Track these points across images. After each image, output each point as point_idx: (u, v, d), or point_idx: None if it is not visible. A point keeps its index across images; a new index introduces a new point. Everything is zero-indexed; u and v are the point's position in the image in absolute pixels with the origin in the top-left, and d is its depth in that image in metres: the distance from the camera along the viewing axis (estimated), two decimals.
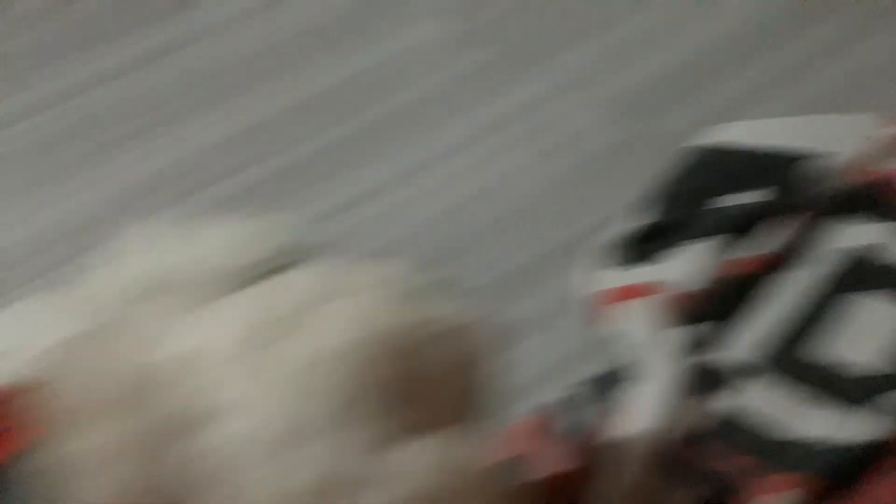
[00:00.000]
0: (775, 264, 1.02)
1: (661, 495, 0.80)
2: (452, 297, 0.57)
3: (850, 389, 0.89)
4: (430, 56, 1.59)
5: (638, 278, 1.03)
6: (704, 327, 0.97)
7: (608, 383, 0.95)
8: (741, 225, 1.06)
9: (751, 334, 0.94)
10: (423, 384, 0.46)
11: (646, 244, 1.08)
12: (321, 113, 1.52)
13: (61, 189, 1.47)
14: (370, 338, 0.47)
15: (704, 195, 1.11)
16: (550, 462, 0.83)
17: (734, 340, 0.94)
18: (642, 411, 0.84)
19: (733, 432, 0.87)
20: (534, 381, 1.00)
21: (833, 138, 1.13)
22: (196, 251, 1.15)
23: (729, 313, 0.98)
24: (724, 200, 1.08)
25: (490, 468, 0.48)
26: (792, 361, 0.93)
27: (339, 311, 0.48)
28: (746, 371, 0.91)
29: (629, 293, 1.01)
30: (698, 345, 0.95)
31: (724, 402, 0.89)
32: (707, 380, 0.91)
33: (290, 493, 0.42)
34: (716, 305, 0.99)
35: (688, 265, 1.01)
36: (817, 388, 0.89)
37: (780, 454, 0.84)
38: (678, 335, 0.95)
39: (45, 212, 1.43)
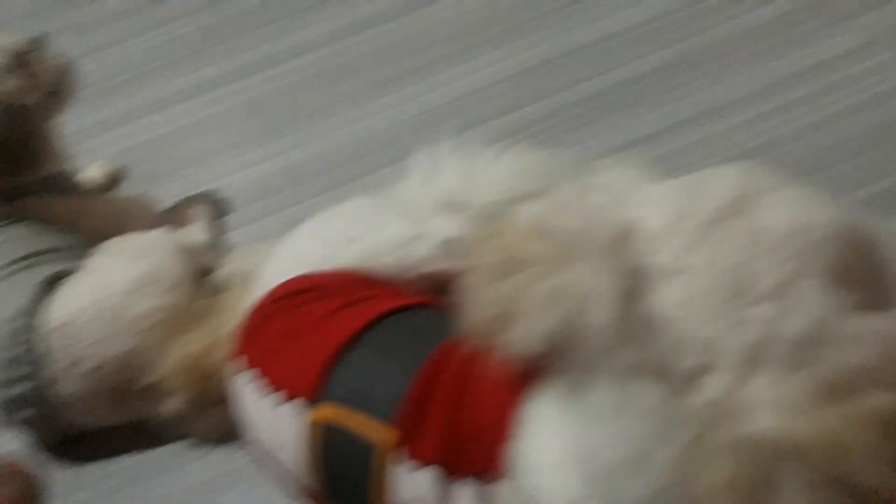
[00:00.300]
0: None
1: None
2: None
3: None
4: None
5: None
6: None
7: None
8: None
9: None
10: (863, 269, 0.51)
11: None
12: (627, 45, 1.54)
13: (360, 111, 1.65)
14: (815, 223, 0.52)
15: None
16: None
17: None
18: None
19: None
20: None
21: None
22: (488, 177, 1.25)
23: None
24: None
25: None
26: None
27: (781, 200, 0.53)
28: None
29: None
30: None
31: None
32: None
33: (743, 345, 0.49)
34: None
35: None
36: None
37: None
38: None
39: (346, 129, 1.62)
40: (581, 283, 0.53)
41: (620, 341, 0.54)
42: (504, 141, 1.34)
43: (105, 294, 1.07)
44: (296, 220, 1.43)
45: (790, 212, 0.53)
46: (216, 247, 1.39)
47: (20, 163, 1.18)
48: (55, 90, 1.28)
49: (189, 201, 1.50)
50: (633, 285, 0.54)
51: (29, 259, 1.13)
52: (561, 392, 0.61)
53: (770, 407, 0.46)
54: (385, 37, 1.80)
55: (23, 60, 1.21)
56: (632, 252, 0.55)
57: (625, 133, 1.37)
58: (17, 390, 1.05)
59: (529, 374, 0.65)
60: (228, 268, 1.24)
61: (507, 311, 0.56)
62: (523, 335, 0.55)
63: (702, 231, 0.54)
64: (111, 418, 1.12)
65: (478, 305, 0.59)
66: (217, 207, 1.51)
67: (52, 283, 1.09)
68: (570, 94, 1.48)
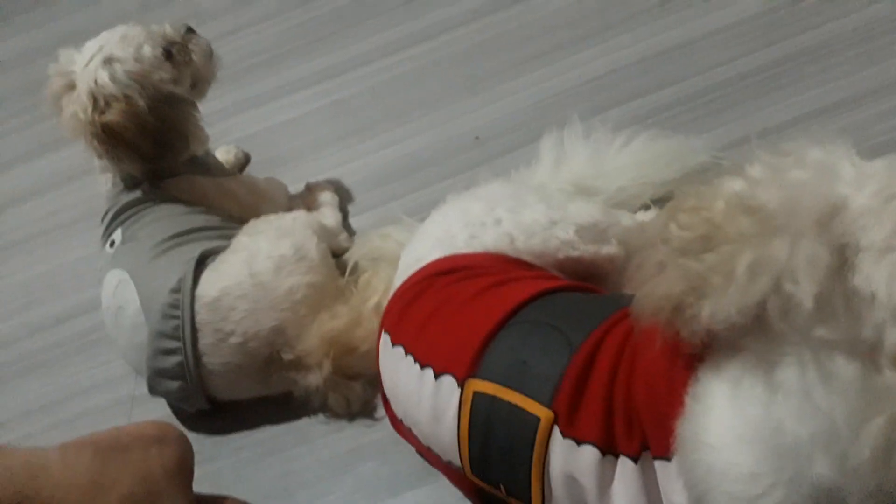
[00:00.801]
0: None
1: None
2: None
3: None
4: None
5: None
6: None
7: None
8: None
9: None
10: None
11: None
12: (760, 32, 1.49)
13: (481, 97, 1.65)
14: None
15: None
16: None
17: None
18: None
19: None
20: None
21: None
22: (620, 162, 1.25)
23: None
24: None
25: None
26: None
27: None
28: None
29: None
30: None
31: None
32: None
33: None
34: None
35: None
36: None
37: None
38: None
39: (468, 116, 1.62)
40: (788, 257, 0.53)
41: (822, 316, 0.53)
42: (632, 127, 1.34)
43: (253, 271, 1.11)
44: (419, 205, 1.46)
45: None
46: (343, 231, 1.42)
47: (172, 147, 1.24)
48: (201, 78, 1.34)
49: (316, 186, 1.54)
50: (841, 261, 0.53)
51: (180, 237, 1.19)
52: (743, 368, 0.61)
53: None
54: (506, 23, 1.80)
55: (173, 50, 1.28)
56: (839, 229, 0.54)
57: (759, 121, 1.32)
58: (168, 362, 1.11)
59: (702, 355, 0.65)
60: (360, 250, 1.28)
61: (703, 285, 0.56)
62: (720, 308, 0.55)
63: None
64: (254, 390, 1.17)
65: (668, 278, 0.59)
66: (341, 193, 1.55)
67: (203, 260, 1.15)
68: (699, 81, 1.45)
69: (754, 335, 0.58)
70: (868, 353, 0.52)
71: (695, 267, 0.57)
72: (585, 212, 1.06)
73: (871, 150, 1.19)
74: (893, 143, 1.22)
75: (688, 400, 0.64)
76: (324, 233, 1.29)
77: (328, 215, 1.43)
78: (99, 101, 1.17)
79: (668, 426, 0.66)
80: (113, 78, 1.18)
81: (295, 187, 1.58)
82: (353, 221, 1.51)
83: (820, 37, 1.42)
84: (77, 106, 1.18)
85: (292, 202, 1.49)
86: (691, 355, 0.65)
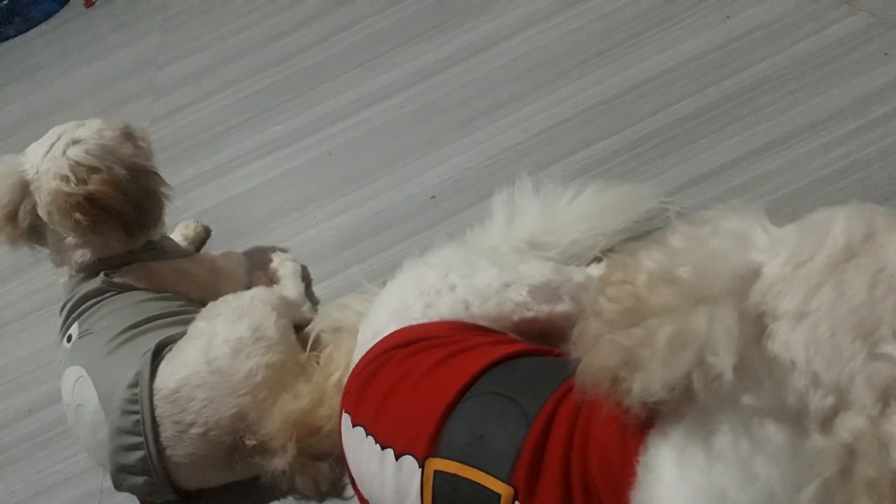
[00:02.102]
0: None
1: None
2: None
3: None
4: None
5: None
6: None
7: None
8: None
9: None
10: None
11: None
12: (697, 75, 1.54)
13: (432, 157, 1.67)
14: None
15: None
16: None
17: None
18: None
19: None
20: None
21: None
22: (571, 215, 1.26)
23: None
24: None
25: None
26: None
27: (890, 241, 0.54)
28: None
29: None
30: None
31: None
32: None
33: (875, 384, 0.49)
34: None
35: None
36: None
37: None
38: None
39: (421, 176, 1.63)
40: (705, 328, 0.54)
41: (746, 385, 0.54)
42: (580, 178, 1.36)
43: (210, 358, 1.10)
44: (380, 268, 1.47)
45: None
46: (307, 301, 1.42)
47: (151, 215, 1.28)
48: (148, 160, 1.35)
49: (276, 257, 1.54)
50: (760, 329, 0.55)
51: (137, 328, 1.18)
52: (684, 437, 0.62)
53: None
54: (450, 83, 1.84)
55: (129, 134, 1.32)
56: (755, 297, 0.56)
57: (703, 163, 1.35)
58: (131, 458, 1.09)
59: (650, 419, 0.66)
60: (320, 323, 1.28)
61: (633, 358, 0.57)
62: (648, 381, 0.56)
63: (823, 274, 0.54)
64: (221, 478, 1.15)
65: (602, 352, 0.60)
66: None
67: (160, 351, 1.14)
68: (641, 128, 1.48)
69: (692, 403, 0.59)
70: (796, 419, 0.53)
71: (624, 341, 0.58)
72: (537, 271, 1.07)
73: (809, 186, 1.23)
74: (831, 177, 1.25)
75: (639, 469, 0.65)
76: (285, 307, 1.29)
77: (289, 287, 1.43)
78: (80, 175, 1.20)
79: (624, 497, 0.66)
80: (88, 152, 1.21)
81: (256, 259, 1.58)
82: (317, 289, 1.51)
83: (755, 76, 1.47)
84: (57, 182, 1.19)
85: (254, 276, 1.49)
86: (639, 425, 0.65)
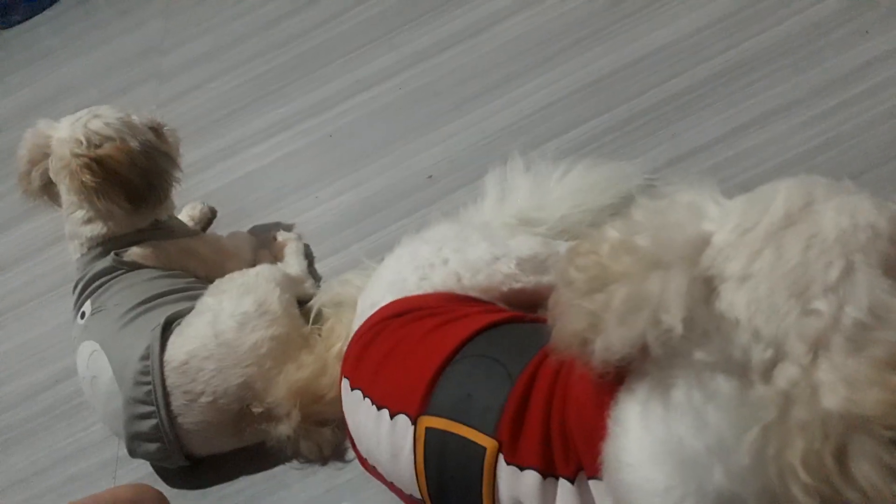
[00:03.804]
0: None
1: None
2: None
3: None
4: None
5: None
6: None
7: None
8: None
9: None
10: None
11: None
12: (683, 55, 1.58)
13: (430, 137, 1.72)
14: (865, 222, 0.58)
15: None
16: None
17: None
18: None
19: None
20: None
21: None
22: (560, 193, 1.32)
23: None
24: None
25: None
26: None
27: (833, 206, 0.59)
28: None
29: None
30: None
31: None
32: None
33: (807, 336, 0.55)
34: None
35: None
36: None
37: None
38: None
39: (419, 156, 1.69)
40: (658, 290, 0.60)
41: (697, 341, 0.60)
42: (570, 157, 1.41)
43: (217, 331, 1.17)
44: (379, 246, 1.53)
45: (840, 216, 0.59)
46: (309, 277, 1.48)
47: (157, 191, 1.34)
48: (173, 156, 1.44)
49: (280, 235, 1.60)
50: (706, 290, 0.60)
51: (147, 303, 1.24)
52: (647, 392, 0.67)
53: (837, 386, 0.52)
54: (446, 65, 1.88)
55: (156, 129, 1.41)
56: (705, 262, 0.61)
57: (689, 140, 1.40)
58: (144, 426, 1.16)
59: (619, 376, 0.72)
60: (322, 297, 1.34)
61: (597, 321, 0.63)
62: (609, 341, 0.62)
63: (764, 240, 0.60)
64: (230, 444, 1.22)
65: (571, 318, 0.65)
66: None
67: (169, 325, 1.20)
68: (630, 107, 1.53)
69: (652, 360, 0.64)
70: (741, 371, 0.59)
71: (589, 306, 0.63)
72: (526, 245, 1.13)
73: (791, 160, 1.28)
74: (811, 152, 1.30)
75: (609, 422, 0.71)
76: (288, 283, 1.35)
77: (293, 264, 1.49)
78: (93, 140, 1.28)
79: (597, 448, 0.72)
80: (106, 124, 1.30)
81: (261, 237, 1.64)
82: (319, 266, 1.57)
83: (741, 55, 1.51)
84: (70, 145, 1.27)
85: (259, 254, 1.55)
86: (610, 381, 0.71)
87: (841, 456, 0.52)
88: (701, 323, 0.59)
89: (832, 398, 0.52)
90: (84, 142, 1.27)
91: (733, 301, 0.59)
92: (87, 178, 1.26)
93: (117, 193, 1.29)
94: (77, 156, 1.26)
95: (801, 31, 1.49)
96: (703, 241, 0.62)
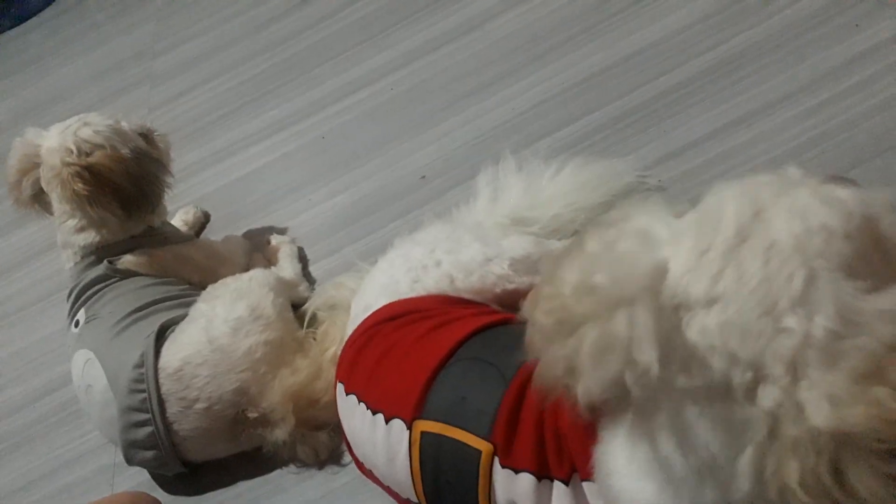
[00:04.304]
0: None
1: None
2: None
3: None
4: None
5: None
6: None
7: None
8: None
9: None
10: (874, 249, 0.57)
11: None
12: (672, 51, 1.58)
13: (422, 137, 1.72)
14: (819, 224, 0.56)
15: None
16: None
17: None
18: None
19: None
20: None
21: None
22: (552, 191, 1.32)
23: None
24: None
25: None
26: None
27: (785, 209, 0.57)
28: None
29: None
30: None
31: None
32: None
33: (783, 355, 0.54)
34: None
35: None
36: None
37: None
38: None
39: (412, 156, 1.69)
40: (626, 330, 0.58)
41: (675, 369, 0.59)
42: (562, 155, 1.41)
43: (211, 337, 1.17)
44: (374, 247, 1.53)
45: (791, 221, 0.57)
46: (304, 280, 1.48)
47: (148, 198, 1.34)
48: (164, 161, 1.44)
49: (274, 239, 1.60)
50: (675, 320, 0.59)
51: (140, 311, 1.24)
52: (633, 414, 0.67)
53: (821, 404, 0.52)
54: (438, 64, 1.88)
55: (146, 134, 1.41)
56: (668, 291, 0.60)
57: (680, 137, 1.40)
58: (140, 434, 1.16)
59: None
60: (316, 301, 1.34)
61: (573, 367, 0.62)
62: (587, 387, 0.61)
63: (723, 260, 0.58)
64: (226, 449, 1.22)
65: (548, 365, 0.64)
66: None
67: (163, 332, 1.20)
68: (621, 105, 1.53)
69: (634, 394, 0.63)
70: (725, 393, 0.58)
71: (562, 352, 0.62)
72: (518, 245, 1.13)
73: (782, 155, 1.28)
74: (802, 147, 1.30)
75: (600, 428, 0.71)
76: (282, 286, 1.35)
77: (286, 268, 1.49)
78: (83, 149, 1.28)
79: (589, 450, 0.72)
80: (96, 132, 1.30)
81: (255, 241, 1.64)
82: (313, 269, 1.57)
83: (731, 50, 1.51)
84: (61, 154, 1.27)
85: (253, 258, 1.55)
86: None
87: (837, 470, 0.52)
88: (676, 354, 0.58)
89: (818, 416, 0.52)
90: (74, 150, 1.27)
91: (704, 327, 0.57)
92: (78, 186, 1.25)
93: (110, 201, 1.29)
94: (68, 165, 1.26)
95: (791, 24, 1.49)
96: (661, 270, 0.60)
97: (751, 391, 0.56)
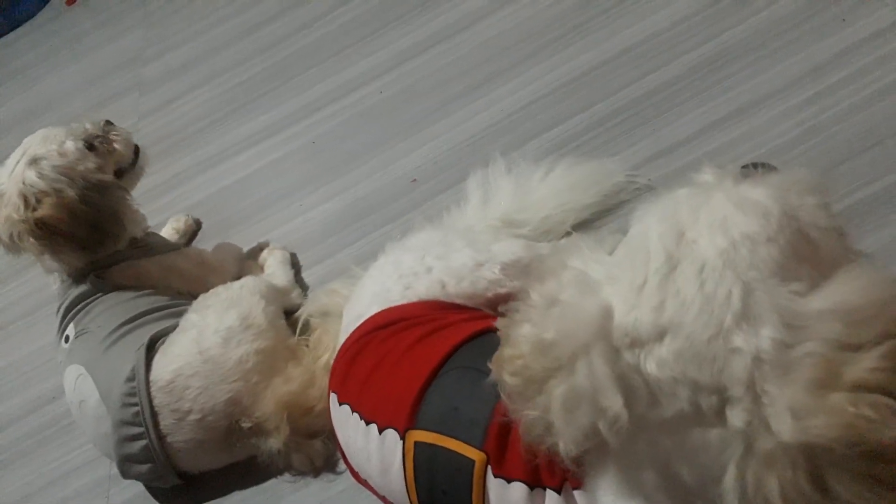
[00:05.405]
0: None
1: None
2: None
3: None
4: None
5: None
6: None
7: None
8: None
9: None
10: (803, 243, 0.57)
11: None
12: (659, 50, 1.57)
13: (412, 141, 1.71)
14: (743, 232, 0.57)
15: None
16: None
17: None
18: None
19: None
20: None
21: None
22: (542, 193, 1.31)
23: None
24: None
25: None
26: None
27: (706, 225, 0.58)
28: None
29: None
30: None
31: None
32: None
33: (740, 374, 0.54)
34: None
35: None
36: None
37: None
38: None
39: (402, 160, 1.68)
40: (588, 381, 0.59)
41: (644, 405, 0.59)
42: (551, 156, 1.40)
43: (202, 348, 1.16)
44: (366, 252, 1.52)
45: (714, 237, 0.57)
46: (296, 288, 1.47)
47: (108, 232, 1.30)
48: (125, 165, 1.42)
49: (266, 246, 1.60)
50: (633, 359, 0.59)
51: (130, 324, 1.24)
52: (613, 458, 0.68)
53: (784, 418, 0.52)
54: (427, 66, 1.87)
55: (95, 142, 1.35)
56: (618, 331, 0.60)
57: (669, 135, 1.40)
58: (134, 447, 1.16)
59: None
60: (308, 308, 1.33)
61: (549, 425, 0.62)
62: (565, 443, 0.62)
63: (660, 291, 0.58)
64: (221, 460, 1.21)
65: (527, 429, 0.65)
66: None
67: (153, 344, 1.19)
68: (608, 104, 1.52)
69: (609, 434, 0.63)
70: (697, 418, 0.58)
71: (534, 413, 0.63)
72: (509, 250, 1.12)
73: (771, 152, 1.28)
74: (791, 143, 1.30)
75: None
76: (273, 294, 1.34)
77: (279, 275, 1.48)
78: (30, 200, 1.23)
79: (581, 460, 0.72)
80: (40, 175, 1.24)
81: (246, 248, 1.63)
82: (306, 275, 1.56)
83: (718, 47, 1.51)
84: (9, 209, 1.23)
85: (245, 265, 1.54)
86: None
87: (819, 478, 0.52)
88: (642, 392, 0.59)
89: (784, 431, 0.52)
90: (21, 204, 1.23)
91: (661, 359, 0.58)
92: (32, 242, 1.24)
93: (68, 247, 1.27)
94: (17, 222, 1.23)
95: (777, 21, 1.49)
96: (607, 311, 0.60)
97: (720, 413, 0.56)
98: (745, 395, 0.54)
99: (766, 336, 0.53)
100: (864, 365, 0.50)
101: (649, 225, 0.61)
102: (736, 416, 0.55)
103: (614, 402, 0.58)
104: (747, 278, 0.55)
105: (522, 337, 0.65)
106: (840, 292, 0.54)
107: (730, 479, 0.56)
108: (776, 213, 0.58)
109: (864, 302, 0.53)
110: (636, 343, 0.59)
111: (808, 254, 0.57)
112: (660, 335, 0.57)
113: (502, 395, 0.69)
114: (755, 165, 0.89)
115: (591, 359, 0.59)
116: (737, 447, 0.55)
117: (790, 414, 0.52)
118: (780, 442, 0.52)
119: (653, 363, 0.58)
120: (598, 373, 0.58)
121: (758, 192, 0.60)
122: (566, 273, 0.65)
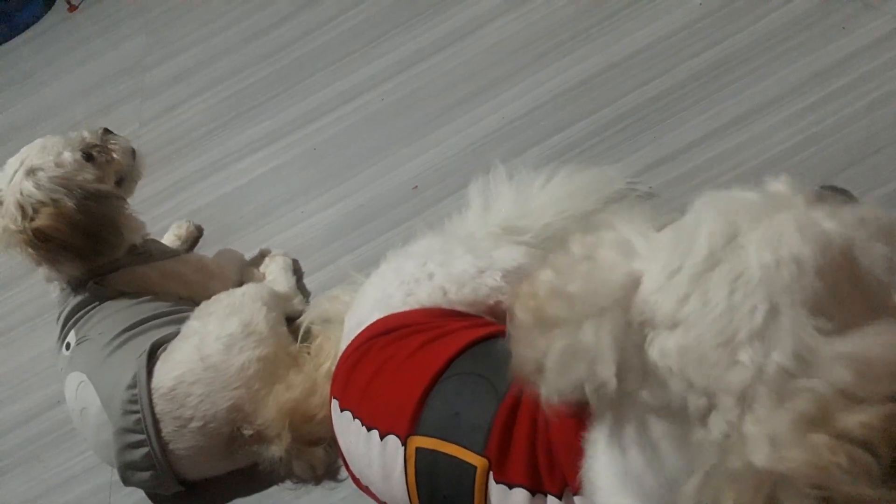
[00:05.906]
0: None
1: None
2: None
3: None
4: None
5: None
6: None
7: None
8: None
9: None
10: (847, 284, 0.56)
11: None
12: (661, 57, 1.58)
13: (414, 147, 1.71)
14: (791, 255, 0.55)
15: None
16: None
17: None
18: None
19: None
20: None
21: None
22: (543, 200, 1.32)
23: None
24: None
25: None
26: None
27: (759, 237, 0.56)
28: None
29: None
30: None
31: None
32: None
33: (735, 387, 0.53)
34: None
35: None
36: None
37: None
38: None
39: (403, 166, 1.68)
40: (592, 342, 0.58)
41: (639, 384, 0.59)
42: (552, 163, 1.41)
43: (203, 355, 1.16)
44: (368, 259, 1.53)
45: (763, 251, 0.56)
46: (297, 294, 1.47)
47: (106, 240, 1.30)
48: (126, 173, 1.42)
49: (267, 252, 1.60)
50: (640, 337, 0.59)
51: (130, 331, 1.24)
52: (611, 422, 0.67)
53: (762, 442, 0.51)
54: (429, 73, 1.88)
55: (93, 152, 1.35)
56: (637, 306, 0.59)
57: (671, 142, 1.41)
58: (136, 455, 1.16)
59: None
60: (310, 314, 1.33)
61: (540, 367, 0.62)
62: (548, 390, 0.61)
63: (690, 284, 0.57)
64: (223, 467, 1.21)
65: (519, 360, 0.65)
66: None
67: (155, 351, 1.19)
68: (610, 111, 1.53)
69: (601, 401, 0.63)
70: (682, 415, 0.57)
71: (532, 353, 0.63)
72: (510, 256, 1.13)
73: (773, 159, 1.28)
74: (792, 150, 1.30)
75: (584, 444, 0.71)
76: (275, 301, 1.34)
77: (280, 281, 1.48)
78: (27, 210, 1.23)
79: (578, 465, 0.72)
80: (38, 185, 1.24)
81: (248, 254, 1.64)
82: (308, 281, 1.57)
83: (720, 54, 1.51)
84: (7, 219, 1.24)
85: (247, 272, 1.55)
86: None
87: None
88: (637, 371, 0.58)
89: (758, 454, 0.51)
90: (19, 215, 1.23)
91: (664, 348, 0.57)
92: (31, 252, 1.25)
93: (66, 256, 1.27)
94: (16, 232, 1.24)
95: (778, 28, 1.50)
96: (634, 283, 0.60)
97: (704, 417, 0.56)
98: (734, 407, 0.54)
99: (773, 360, 0.53)
100: (858, 418, 0.50)
101: (703, 217, 0.60)
102: (717, 425, 0.54)
103: (607, 371, 0.58)
104: (777, 300, 0.54)
105: (542, 281, 0.64)
106: (863, 343, 0.53)
107: (691, 486, 0.56)
108: (836, 250, 0.56)
109: (883, 359, 0.52)
110: (648, 324, 0.58)
111: (851, 298, 0.56)
112: (673, 325, 0.57)
113: (508, 322, 0.68)
114: (834, 189, 0.87)
115: (601, 322, 0.59)
116: (709, 456, 0.55)
117: (769, 440, 0.51)
118: (751, 462, 0.52)
119: (657, 349, 0.57)
120: (603, 339, 0.58)
121: (828, 224, 0.58)
122: (609, 234, 0.65)
